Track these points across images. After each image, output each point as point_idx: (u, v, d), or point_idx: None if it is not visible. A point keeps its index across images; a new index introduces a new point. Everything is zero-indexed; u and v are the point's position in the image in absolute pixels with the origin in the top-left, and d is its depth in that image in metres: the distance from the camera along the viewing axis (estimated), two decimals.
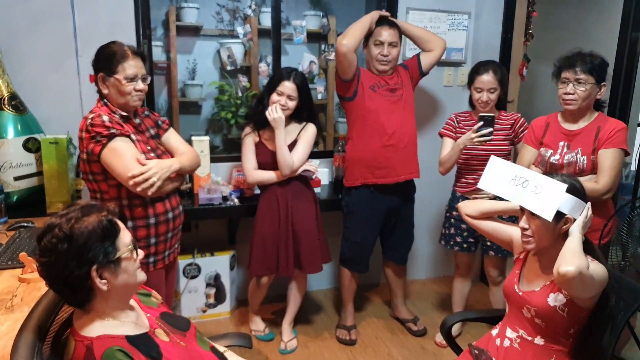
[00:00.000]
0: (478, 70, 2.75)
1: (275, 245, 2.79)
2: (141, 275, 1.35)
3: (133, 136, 2.01)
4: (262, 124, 2.78)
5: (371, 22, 2.85)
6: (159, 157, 2.10)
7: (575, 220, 1.70)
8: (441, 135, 2.91)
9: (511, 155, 2.88)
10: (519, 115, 2.85)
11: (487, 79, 2.70)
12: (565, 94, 2.28)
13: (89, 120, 1.94)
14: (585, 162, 2.28)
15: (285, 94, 2.69)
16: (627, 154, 2.28)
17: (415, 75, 2.97)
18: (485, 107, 2.73)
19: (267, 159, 2.78)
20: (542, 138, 2.44)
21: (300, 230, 2.81)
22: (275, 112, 2.66)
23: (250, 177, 2.83)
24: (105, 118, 1.94)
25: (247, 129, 2.85)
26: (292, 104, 2.72)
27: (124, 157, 1.92)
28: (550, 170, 2.37)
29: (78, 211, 1.24)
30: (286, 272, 2.83)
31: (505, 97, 2.93)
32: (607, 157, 2.23)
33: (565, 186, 1.66)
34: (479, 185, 1.96)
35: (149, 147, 2.08)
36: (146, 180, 1.94)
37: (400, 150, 2.85)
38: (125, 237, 1.30)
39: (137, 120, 2.11)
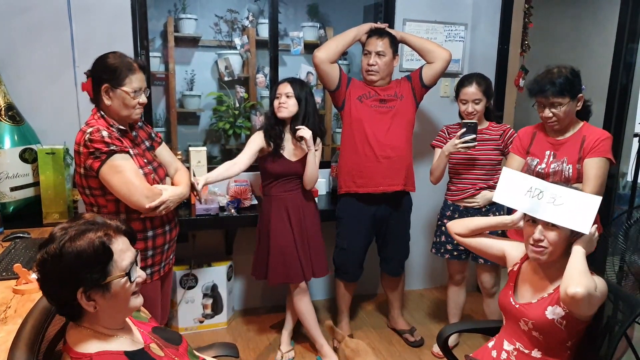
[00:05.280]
0: (463, 82, 2.79)
1: (296, 254, 2.75)
2: (135, 301, 1.29)
3: (131, 151, 1.99)
4: (276, 137, 2.70)
5: (356, 35, 2.87)
6: (155, 169, 2.09)
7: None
8: (433, 146, 2.93)
9: (501, 165, 2.88)
10: (509, 126, 2.87)
11: (471, 90, 2.74)
12: (545, 117, 2.29)
13: (88, 135, 1.87)
14: (570, 171, 2.30)
15: (283, 93, 2.64)
16: (612, 163, 2.28)
17: (417, 87, 2.93)
18: (471, 118, 2.76)
19: (280, 169, 2.72)
20: (529, 147, 2.46)
21: (311, 237, 2.81)
22: (305, 131, 2.61)
23: (225, 167, 2.66)
24: (105, 134, 1.88)
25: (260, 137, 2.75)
26: (291, 102, 2.64)
27: (125, 174, 1.90)
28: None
29: (77, 227, 1.20)
30: (309, 277, 2.80)
31: (499, 109, 2.93)
32: (593, 166, 2.24)
33: (600, 198, 1.64)
34: (494, 199, 1.94)
35: (145, 160, 2.07)
36: (157, 207, 1.99)
37: (381, 161, 2.83)
38: (123, 260, 1.23)
39: (134, 133, 2.09)
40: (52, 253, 1.16)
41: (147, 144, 2.16)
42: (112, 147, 1.88)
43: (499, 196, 1.91)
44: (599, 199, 1.64)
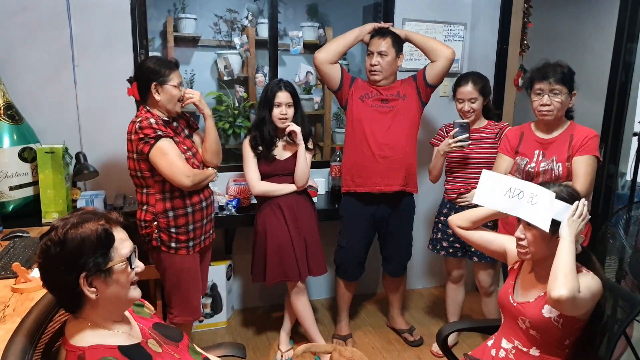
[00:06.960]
0: (459, 82, 2.82)
1: (292, 253, 2.76)
2: (134, 292, 1.31)
3: (175, 138, 2.26)
4: (268, 144, 2.73)
5: (358, 36, 2.88)
6: (194, 155, 2.37)
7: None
8: (433, 145, 2.95)
9: None
10: (506, 124, 2.88)
11: (466, 89, 2.76)
12: (542, 105, 2.32)
13: (138, 124, 2.17)
14: (560, 169, 2.33)
15: (283, 103, 2.67)
16: (599, 161, 2.33)
17: (422, 87, 2.90)
18: (468, 116, 2.79)
19: (271, 168, 2.75)
20: (518, 147, 2.49)
21: (307, 236, 2.81)
22: (295, 126, 2.67)
23: (258, 188, 2.74)
24: (152, 121, 2.18)
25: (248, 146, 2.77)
26: (291, 112, 2.69)
27: (169, 156, 2.18)
28: (527, 178, 2.38)
29: (78, 217, 1.24)
30: (305, 275, 2.82)
31: (497, 107, 2.94)
32: (582, 164, 2.28)
33: (553, 193, 1.66)
34: (474, 201, 1.94)
35: (185, 147, 2.33)
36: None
37: (379, 161, 2.82)
38: (123, 248, 1.27)
39: (175, 124, 2.34)
40: (55, 240, 1.19)
41: (187, 131, 2.43)
42: (158, 132, 2.17)
43: (479, 198, 1.91)
44: (552, 194, 1.66)
